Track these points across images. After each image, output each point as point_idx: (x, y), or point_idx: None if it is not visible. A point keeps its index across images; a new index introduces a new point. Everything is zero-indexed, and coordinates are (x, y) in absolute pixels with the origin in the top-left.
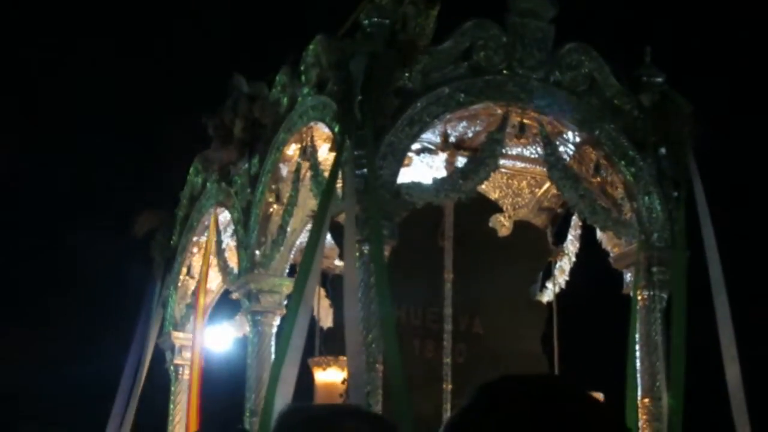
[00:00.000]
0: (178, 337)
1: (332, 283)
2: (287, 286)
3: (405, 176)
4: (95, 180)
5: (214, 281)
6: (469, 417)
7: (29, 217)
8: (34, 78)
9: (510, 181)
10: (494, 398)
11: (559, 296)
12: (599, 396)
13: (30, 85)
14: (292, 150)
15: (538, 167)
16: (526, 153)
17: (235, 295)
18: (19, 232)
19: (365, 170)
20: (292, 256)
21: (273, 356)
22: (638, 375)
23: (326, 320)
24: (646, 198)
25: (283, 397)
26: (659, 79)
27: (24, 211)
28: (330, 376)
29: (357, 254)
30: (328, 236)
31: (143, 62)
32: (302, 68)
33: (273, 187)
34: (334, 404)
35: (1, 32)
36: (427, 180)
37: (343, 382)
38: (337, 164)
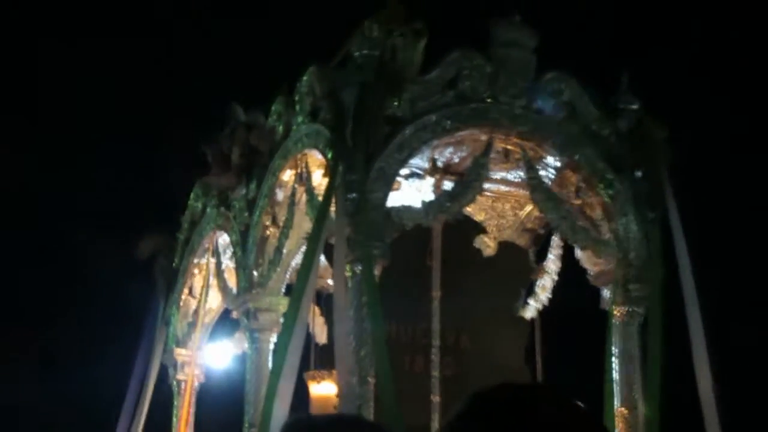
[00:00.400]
0: (181, 354)
1: (326, 302)
2: (284, 304)
3: (395, 200)
4: (101, 205)
5: (215, 300)
6: (462, 422)
7: (38, 235)
8: (39, 97)
9: (494, 203)
10: (487, 405)
11: (541, 312)
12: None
13: (36, 103)
14: (288, 175)
15: (521, 190)
16: (510, 177)
17: (234, 314)
18: (28, 252)
19: (356, 194)
20: (288, 276)
21: (270, 371)
22: (615, 386)
23: (321, 336)
24: (624, 218)
25: (280, 409)
26: (635, 106)
27: (33, 229)
28: (324, 389)
29: (349, 274)
30: (323, 257)
31: (146, 93)
32: (296, 98)
33: (269, 210)
34: (335, 414)
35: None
36: (415, 203)
37: (337, 395)
38: (330, 188)
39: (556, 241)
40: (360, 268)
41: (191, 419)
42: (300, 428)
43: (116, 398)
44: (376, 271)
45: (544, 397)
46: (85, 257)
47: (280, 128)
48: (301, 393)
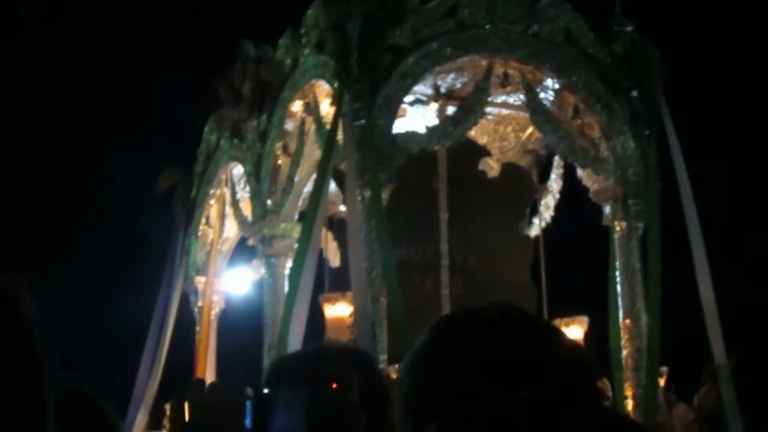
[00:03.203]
0: (201, 281)
1: (338, 226)
2: (297, 230)
3: (400, 126)
4: (123, 142)
5: (231, 229)
6: (421, 352)
7: (65, 174)
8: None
9: (497, 126)
10: (442, 334)
11: (545, 230)
12: (584, 320)
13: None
14: (297, 106)
15: (521, 113)
16: (510, 100)
17: (250, 241)
18: (56, 190)
19: (363, 121)
20: (300, 203)
21: (286, 295)
22: (619, 299)
23: (335, 260)
24: (621, 137)
25: (297, 330)
26: (629, 29)
27: (59, 168)
28: (339, 310)
29: (358, 198)
30: (333, 183)
31: (165, 31)
32: (303, 31)
33: (281, 141)
34: (316, 347)
35: None
36: (420, 129)
37: (350, 316)
38: (337, 117)
39: (557, 160)
40: (368, 192)
41: (212, 343)
42: (280, 369)
43: (142, 325)
44: (384, 196)
45: (503, 314)
46: (108, 191)
47: (288, 61)
48: (316, 315)
